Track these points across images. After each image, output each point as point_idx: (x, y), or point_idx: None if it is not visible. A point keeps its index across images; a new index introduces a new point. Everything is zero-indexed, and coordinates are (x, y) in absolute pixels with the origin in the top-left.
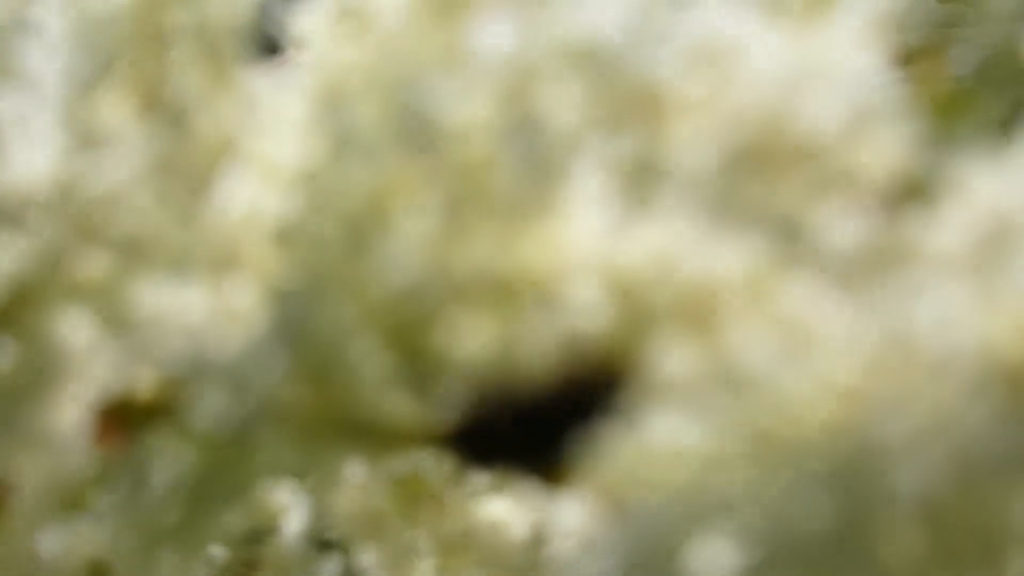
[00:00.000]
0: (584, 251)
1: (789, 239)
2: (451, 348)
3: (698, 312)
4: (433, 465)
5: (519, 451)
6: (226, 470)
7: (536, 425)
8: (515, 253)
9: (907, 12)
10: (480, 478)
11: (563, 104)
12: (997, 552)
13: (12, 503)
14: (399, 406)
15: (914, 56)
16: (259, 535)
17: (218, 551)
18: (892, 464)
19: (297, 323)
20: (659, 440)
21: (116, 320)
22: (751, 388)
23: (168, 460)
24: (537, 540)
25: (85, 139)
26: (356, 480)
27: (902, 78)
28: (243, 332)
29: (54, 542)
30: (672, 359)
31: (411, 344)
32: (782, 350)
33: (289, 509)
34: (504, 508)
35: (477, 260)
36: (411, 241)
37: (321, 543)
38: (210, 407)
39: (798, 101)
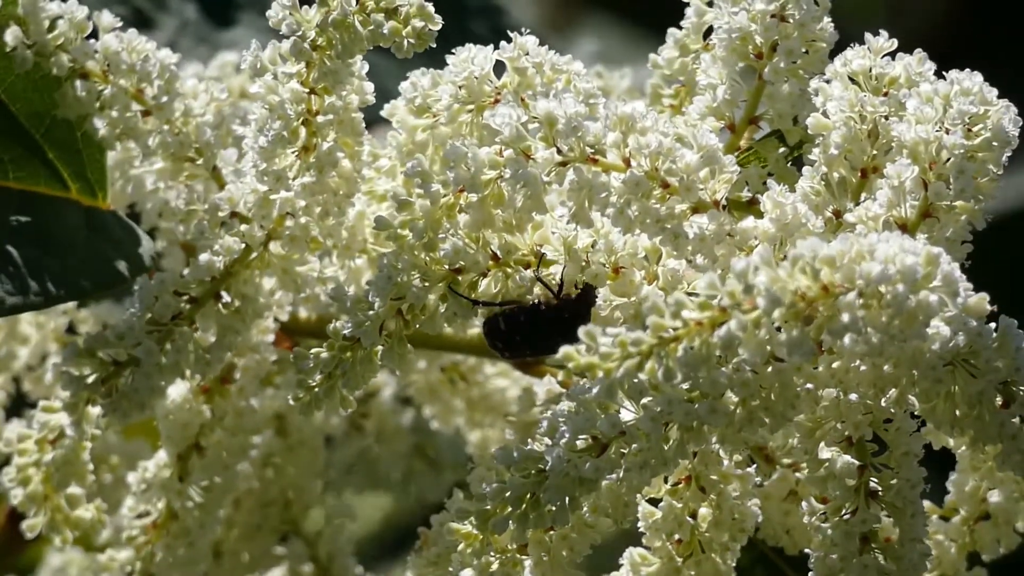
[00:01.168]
0: (555, 238)
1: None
2: (478, 294)
3: (621, 272)
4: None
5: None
6: (351, 362)
7: (527, 336)
8: (515, 238)
9: (731, 101)
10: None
11: (541, 152)
12: (788, 409)
13: (233, 381)
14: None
15: (738, 124)
16: (368, 396)
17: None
18: (724, 355)
19: (391, 280)
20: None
21: (288, 280)
22: (650, 313)
23: (316, 357)
24: (525, 402)
25: (274, 177)
26: (422, 367)
27: (728, 135)
28: (361, 286)
29: (257, 402)
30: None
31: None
32: (665, 292)
33: (385, 383)
34: (504, 382)
35: (494, 242)
36: (457, 233)
37: (403, 400)
38: (341, 326)
39: (677, 154)
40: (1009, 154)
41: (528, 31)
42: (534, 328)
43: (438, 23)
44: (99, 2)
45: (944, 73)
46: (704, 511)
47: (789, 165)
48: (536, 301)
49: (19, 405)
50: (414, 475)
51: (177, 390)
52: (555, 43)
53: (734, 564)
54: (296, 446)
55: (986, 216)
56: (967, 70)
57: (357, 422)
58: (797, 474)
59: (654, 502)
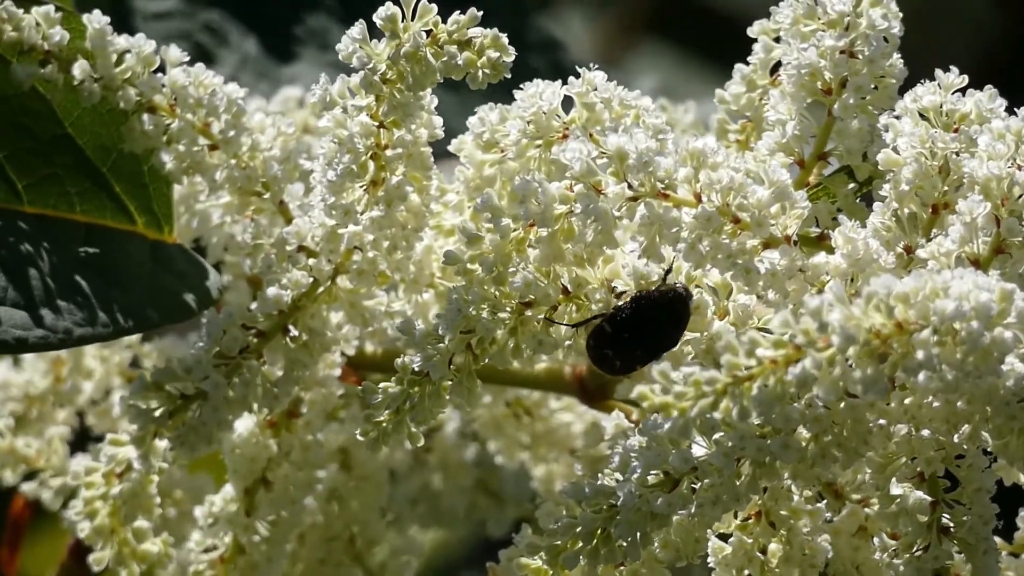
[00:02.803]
0: (625, 272)
1: (747, 270)
2: (549, 329)
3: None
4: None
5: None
6: (420, 396)
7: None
8: (585, 272)
9: (800, 137)
10: (556, 401)
11: (612, 187)
12: (861, 444)
13: (300, 415)
14: (517, 362)
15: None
16: (432, 431)
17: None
18: (799, 393)
19: (461, 313)
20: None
21: (356, 314)
22: (724, 351)
23: (384, 392)
24: (591, 437)
25: (343, 211)
26: (487, 401)
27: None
28: (429, 320)
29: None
30: None
31: (527, 325)
32: (735, 327)
33: (449, 417)
34: (569, 417)
35: (565, 275)
36: (527, 266)
37: (467, 435)
38: (410, 360)
39: (748, 189)
40: None
41: (596, 66)
42: (640, 317)
43: (512, 54)
44: (161, 38)
45: (1015, 109)
46: (774, 547)
47: (858, 201)
48: (637, 293)
49: (83, 439)
50: (477, 510)
51: (244, 424)
52: (615, 76)
53: None
54: (360, 481)
55: None
56: None
57: (421, 456)
58: (867, 510)
59: (724, 537)
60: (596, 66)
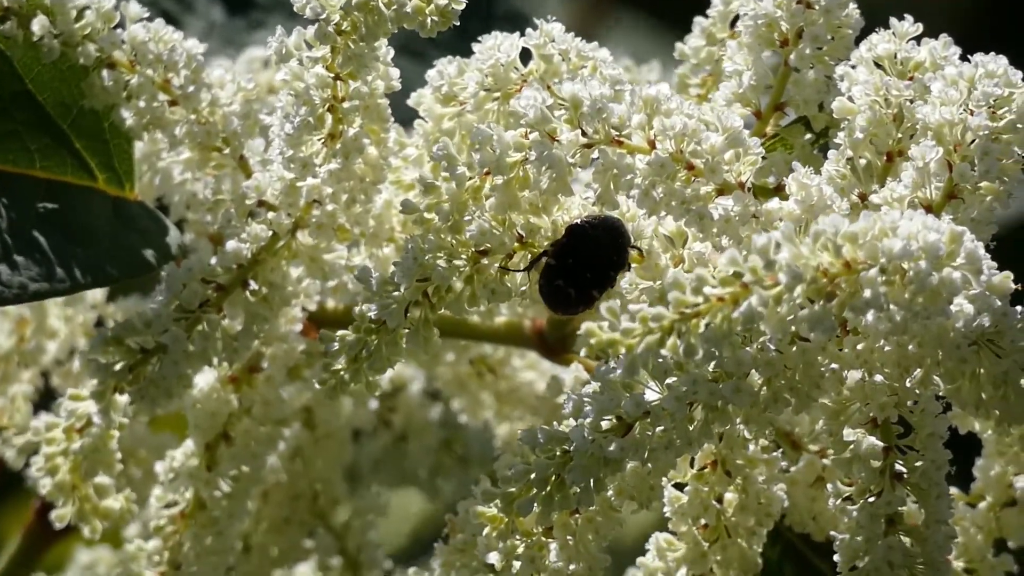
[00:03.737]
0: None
1: (701, 216)
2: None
3: (647, 254)
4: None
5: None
6: (377, 345)
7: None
8: (541, 220)
9: (757, 88)
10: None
11: (566, 134)
12: (813, 389)
13: (261, 371)
14: (477, 316)
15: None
16: (397, 391)
17: (372, 401)
18: (747, 333)
19: (417, 261)
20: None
21: (316, 268)
22: (671, 289)
23: (342, 340)
24: (551, 390)
25: (301, 164)
26: (450, 359)
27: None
28: (387, 270)
29: (285, 395)
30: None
31: (483, 274)
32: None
33: (413, 377)
34: (533, 375)
35: (517, 223)
36: (483, 215)
37: (432, 395)
38: (367, 308)
39: (702, 135)
40: None
41: (554, 19)
42: (579, 240)
43: (462, 1)
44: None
45: (969, 57)
46: (730, 496)
47: (815, 151)
48: (570, 224)
49: (48, 400)
50: (442, 470)
51: (205, 379)
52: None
53: (760, 549)
54: (324, 439)
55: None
56: (992, 53)
57: (385, 417)
58: (824, 460)
59: (680, 487)
60: (554, 18)
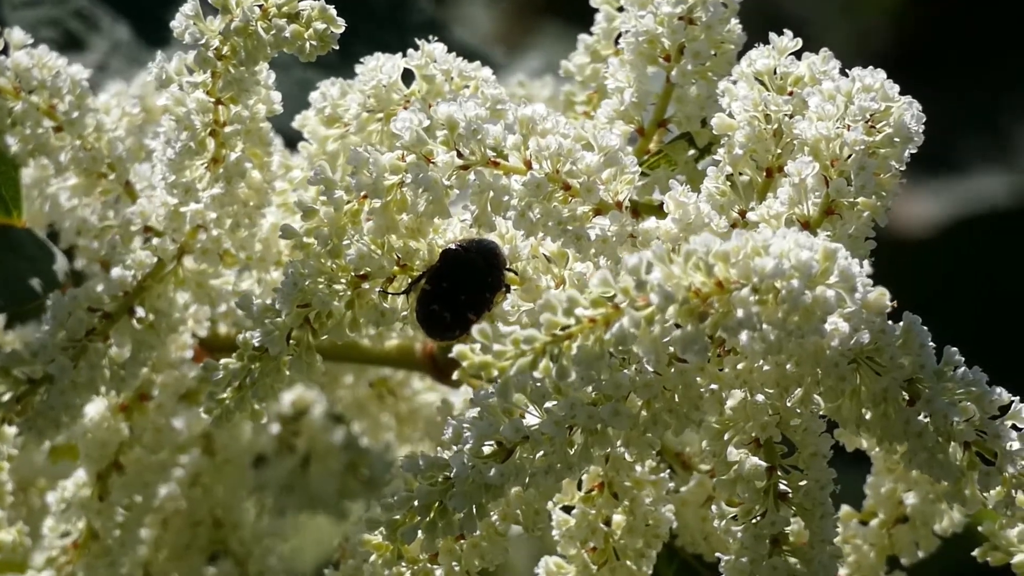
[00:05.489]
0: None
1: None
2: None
3: (525, 275)
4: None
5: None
6: (260, 372)
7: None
8: (419, 244)
9: (639, 104)
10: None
11: (442, 156)
12: (692, 410)
13: (151, 401)
14: (368, 339)
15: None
16: (299, 414)
17: (274, 425)
18: (622, 355)
19: (297, 287)
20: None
21: (203, 294)
22: (543, 311)
23: (225, 368)
24: (442, 412)
25: (184, 189)
26: (349, 382)
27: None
28: (271, 295)
29: (182, 421)
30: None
31: (364, 298)
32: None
33: (315, 400)
34: (433, 397)
35: (396, 246)
36: (362, 239)
37: (334, 418)
38: (250, 336)
39: (577, 155)
40: (913, 150)
41: (435, 39)
42: (453, 263)
43: (341, 25)
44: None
45: (848, 72)
46: (618, 518)
47: (699, 167)
48: (443, 248)
49: None
50: (348, 493)
51: (95, 408)
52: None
53: (650, 571)
54: (223, 465)
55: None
56: (870, 68)
57: (288, 441)
58: (714, 480)
59: (568, 509)
60: (435, 39)
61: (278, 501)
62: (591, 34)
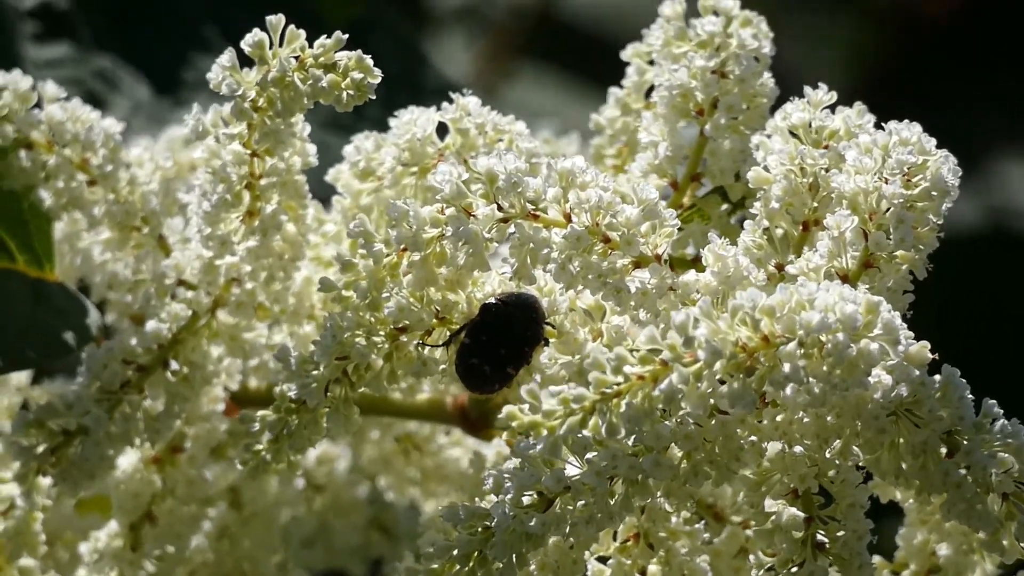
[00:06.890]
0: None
1: (618, 289)
2: (424, 354)
3: (562, 328)
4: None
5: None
6: (298, 425)
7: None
8: (458, 296)
9: (673, 158)
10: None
11: (482, 209)
12: (732, 461)
13: (184, 451)
14: (399, 393)
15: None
16: (323, 467)
17: (299, 480)
18: (667, 408)
19: (335, 339)
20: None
21: (236, 347)
22: (592, 369)
23: (262, 420)
24: (474, 466)
25: (219, 242)
26: (375, 437)
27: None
28: (307, 348)
29: (210, 474)
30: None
31: (402, 351)
32: (609, 349)
33: (340, 455)
34: (459, 452)
35: (435, 299)
36: (401, 291)
37: (359, 473)
38: (287, 388)
39: (617, 208)
40: (950, 205)
41: (470, 92)
42: (493, 317)
43: (377, 76)
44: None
45: (883, 124)
46: (653, 568)
47: (733, 221)
48: (483, 302)
49: None
50: (372, 547)
51: (128, 460)
52: (488, 101)
53: None
54: (250, 519)
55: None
56: (906, 121)
57: (313, 495)
58: (747, 531)
59: (604, 560)
60: (470, 92)
61: (300, 554)
62: (620, 86)
